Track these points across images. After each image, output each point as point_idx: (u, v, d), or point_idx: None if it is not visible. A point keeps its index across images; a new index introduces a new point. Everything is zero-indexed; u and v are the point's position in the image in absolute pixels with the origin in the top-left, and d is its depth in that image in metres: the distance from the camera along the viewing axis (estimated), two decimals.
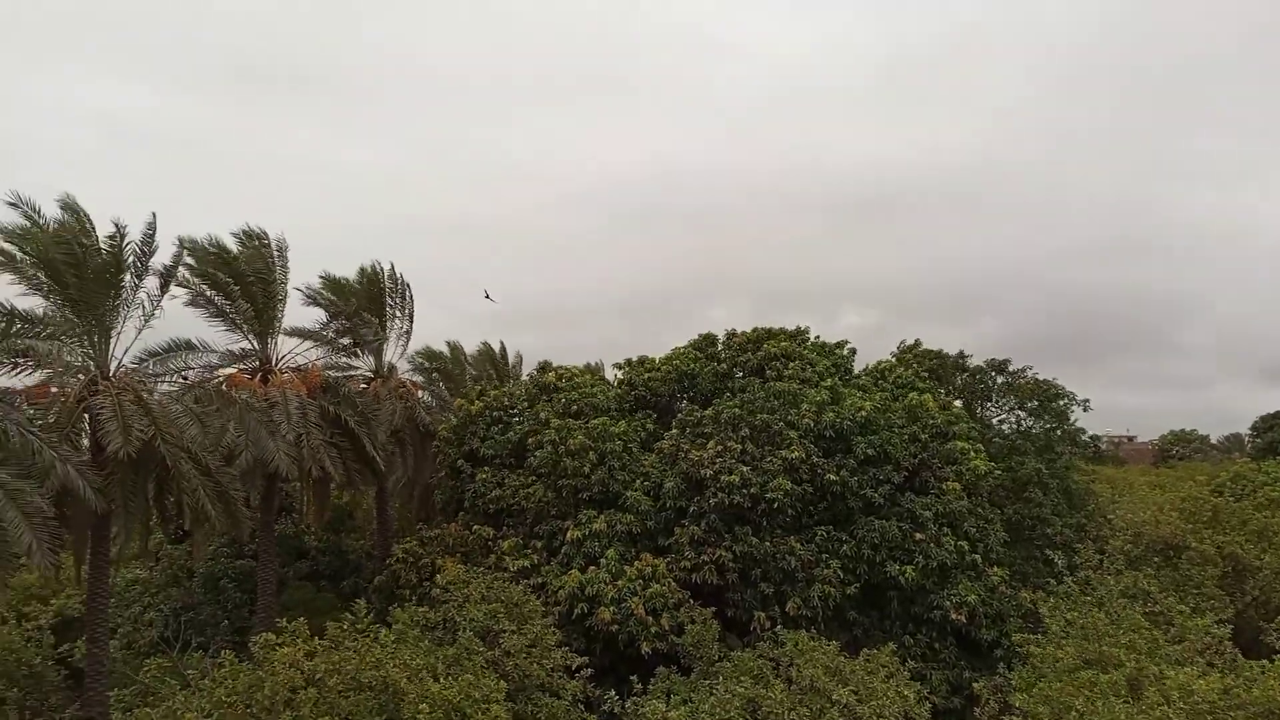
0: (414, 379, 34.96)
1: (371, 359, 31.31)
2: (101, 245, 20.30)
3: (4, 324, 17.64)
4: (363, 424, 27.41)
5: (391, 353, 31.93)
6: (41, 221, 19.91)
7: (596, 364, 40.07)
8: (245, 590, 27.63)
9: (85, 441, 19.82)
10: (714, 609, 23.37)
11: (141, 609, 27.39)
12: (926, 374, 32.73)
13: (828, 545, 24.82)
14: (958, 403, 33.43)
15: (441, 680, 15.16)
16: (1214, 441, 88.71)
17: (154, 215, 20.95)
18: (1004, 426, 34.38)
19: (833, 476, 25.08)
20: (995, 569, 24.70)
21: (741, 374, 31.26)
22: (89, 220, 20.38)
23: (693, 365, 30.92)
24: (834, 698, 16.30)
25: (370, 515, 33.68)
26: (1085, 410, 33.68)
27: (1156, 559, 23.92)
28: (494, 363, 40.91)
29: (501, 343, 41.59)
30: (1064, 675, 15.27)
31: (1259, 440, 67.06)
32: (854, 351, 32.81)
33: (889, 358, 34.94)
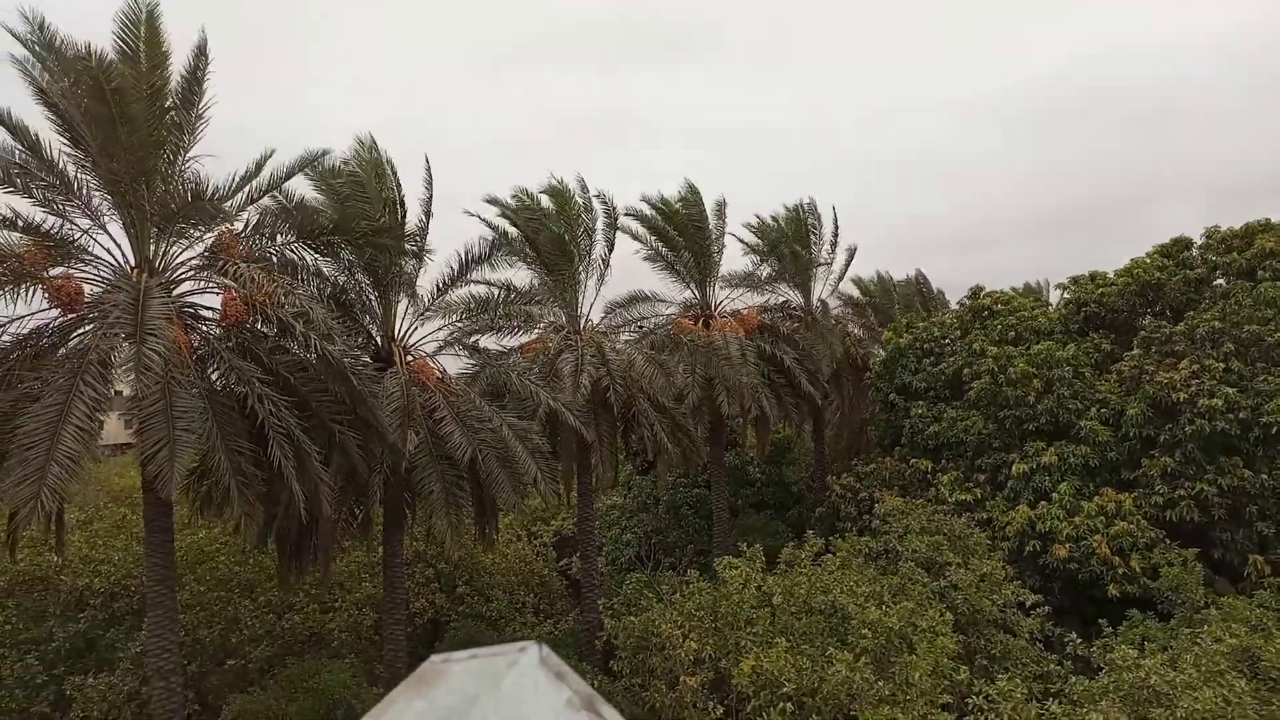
0: (844, 313, 35.29)
1: (802, 296, 32.12)
2: (569, 213, 23.38)
3: (504, 293, 21.21)
4: (798, 362, 28.44)
5: (820, 289, 32.49)
6: (527, 202, 23.44)
7: (1036, 284, 36.95)
8: (702, 516, 30.46)
9: (566, 389, 23.20)
10: (1196, 550, 20.69)
11: (620, 531, 31.56)
12: None
13: None
14: None
15: (885, 607, 15.46)
16: None
17: (581, 179, 23.63)
18: None
19: None
20: None
21: (1224, 279, 26.63)
22: (570, 194, 23.46)
23: (1157, 274, 27.08)
24: None
25: (807, 448, 34.95)
26: None
27: None
28: (920, 292, 39.71)
29: (919, 270, 40.21)
30: None
31: None
32: None
33: None
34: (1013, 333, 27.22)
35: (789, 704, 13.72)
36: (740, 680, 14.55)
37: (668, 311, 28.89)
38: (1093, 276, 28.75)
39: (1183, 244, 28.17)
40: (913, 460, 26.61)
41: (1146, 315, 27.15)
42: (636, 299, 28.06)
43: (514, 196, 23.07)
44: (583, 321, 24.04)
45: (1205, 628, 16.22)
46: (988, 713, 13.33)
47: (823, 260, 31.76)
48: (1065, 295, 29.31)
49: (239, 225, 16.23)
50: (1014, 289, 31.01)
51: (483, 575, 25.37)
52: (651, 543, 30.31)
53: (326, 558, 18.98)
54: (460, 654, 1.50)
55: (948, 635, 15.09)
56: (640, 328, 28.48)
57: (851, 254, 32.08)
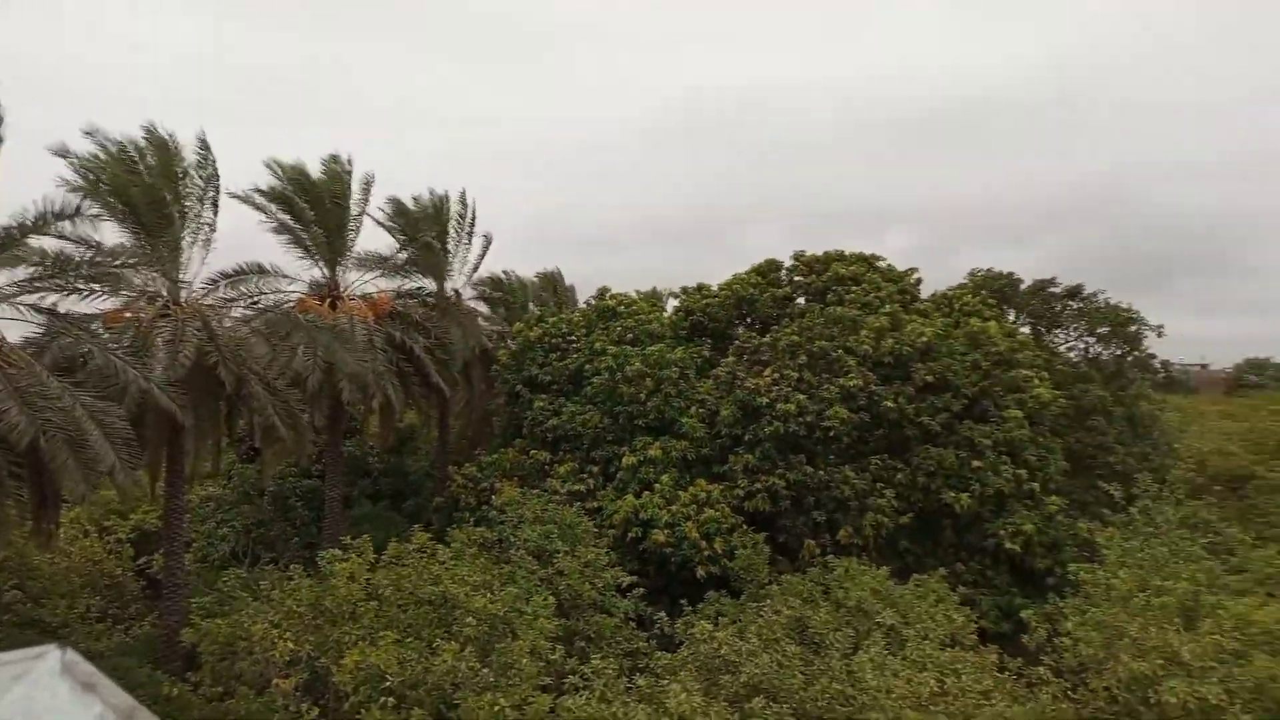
0: (477, 306, 35.53)
1: (437, 285, 31.74)
2: (172, 170, 20.80)
3: (90, 252, 18.31)
4: (428, 350, 28.04)
5: (455, 279, 32.39)
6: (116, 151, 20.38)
7: (655, 291, 39.98)
8: (313, 508, 28.82)
9: (158, 367, 20.64)
10: (766, 535, 23.68)
11: (215, 525, 28.75)
12: (994, 300, 31.88)
13: (883, 474, 24.75)
14: (1025, 329, 32.63)
15: (492, 595, 15.74)
16: None
17: (204, 132, 21.36)
18: (1071, 354, 33.47)
19: (890, 404, 24.85)
20: (1053, 498, 24.39)
21: (804, 299, 30.86)
22: (168, 146, 20.81)
23: (751, 290, 30.64)
24: (879, 619, 16.50)
25: (432, 438, 34.66)
26: (1159, 336, 32.52)
27: (1219, 489, 23.44)
28: (553, 289, 41.20)
29: (558, 269, 41.84)
30: (1119, 603, 15.15)
31: None
32: (920, 280, 32.11)
33: (964, 282, 34.08)
34: (630, 334, 29.19)
35: (390, 698, 13.42)
36: (342, 677, 13.94)
37: (291, 289, 26.97)
38: (700, 288, 31.78)
39: (774, 265, 32.19)
40: (533, 451, 27.48)
41: (741, 326, 30.64)
42: (253, 272, 25.71)
43: (102, 144, 20.03)
44: (186, 292, 21.57)
45: (768, 602, 18.61)
46: (583, 690, 14.08)
47: (460, 250, 31.77)
48: (677, 303, 32.11)
49: None
50: (639, 292, 33.26)
51: (40, 578, 21.75)
52: (252, 537, 28.04)
53: None
54: None
55: (549, 619, 15.73)
56: (256, 303, 26.23)
57: (487, 245, 32.39)
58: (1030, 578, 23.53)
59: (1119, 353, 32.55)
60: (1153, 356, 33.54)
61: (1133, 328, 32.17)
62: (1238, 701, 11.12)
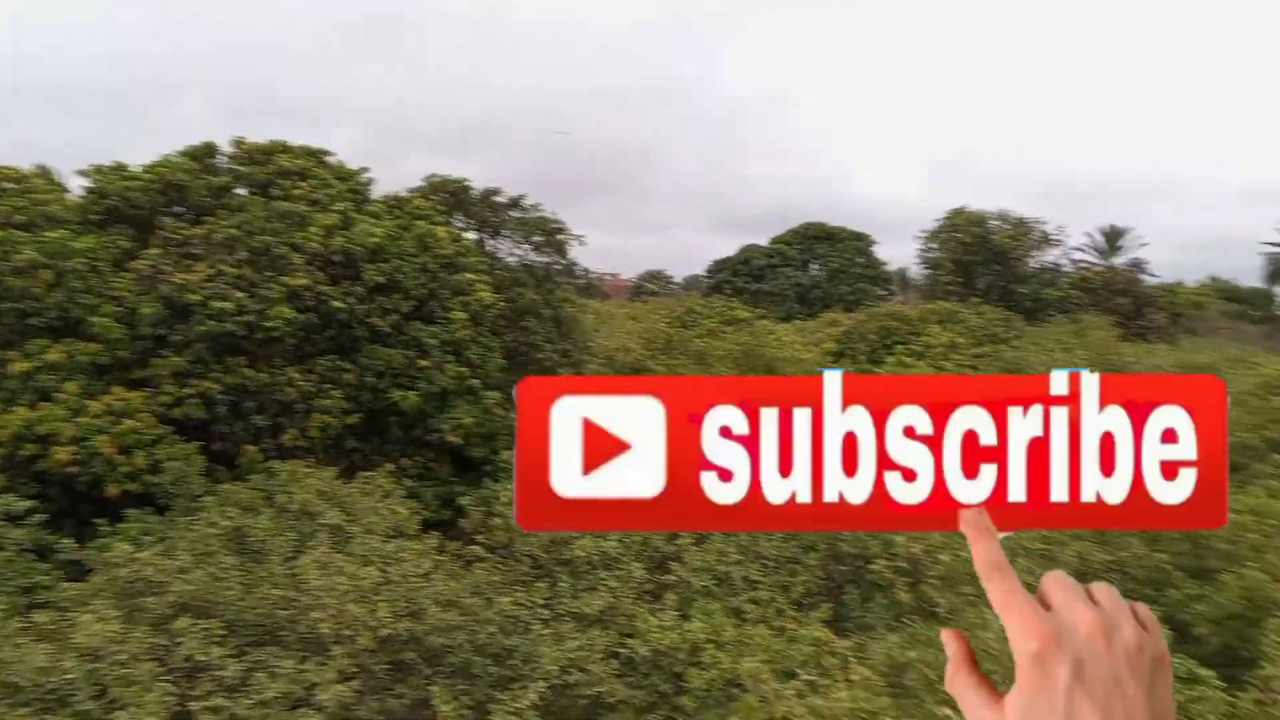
0: None
1: None
2: None
3: None
4: None
5: None
6: None
7: (45, 168, 33.18)
8: None
9: None
10: (200, 444, 21.93)
11: None
12: (445, 205, 32.76)
13: (330, 374, 24.39)
14: (471, 235, 34.28)
15: None
16: (678, 280, 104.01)
17: None
18: (510, 259, 36.12)
19: (339, 305, 24.45)
20: (492, 392, 26.48)
21: (245, 189, 28.39)
22: None
23: (183, 176, 27.25)
24: (324, 520, 16.46)
25: None
26: (582, 244, 36.66)
27: None
28: None
29: None
30: None
31: (710, 280, 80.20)
32: (372, 180, 31.56)
33: (421, 184, 34.15)
34: (21, 216, 24.13)
35: None
36: None
37: None
38: (119, 168, 27.36)
39: (209, 149, 28.95)
40: None
41: (169, 215, 27.19)
42: None
43: None
44: None
45: (203, 514, 17.33)
46: None
47: None
48: (87, 184, 27.25)
49: None
50: (20, 168, 27.31)
51: None
52: None
53: None
54: None
55: None
56: None
57: None
58: (469, 466, 25.44)
59: (549, 260, 36.05)
60: (575, 264, 37.88)
61: (560, 237, 35.81)
62: (633, 549, 13.46)
